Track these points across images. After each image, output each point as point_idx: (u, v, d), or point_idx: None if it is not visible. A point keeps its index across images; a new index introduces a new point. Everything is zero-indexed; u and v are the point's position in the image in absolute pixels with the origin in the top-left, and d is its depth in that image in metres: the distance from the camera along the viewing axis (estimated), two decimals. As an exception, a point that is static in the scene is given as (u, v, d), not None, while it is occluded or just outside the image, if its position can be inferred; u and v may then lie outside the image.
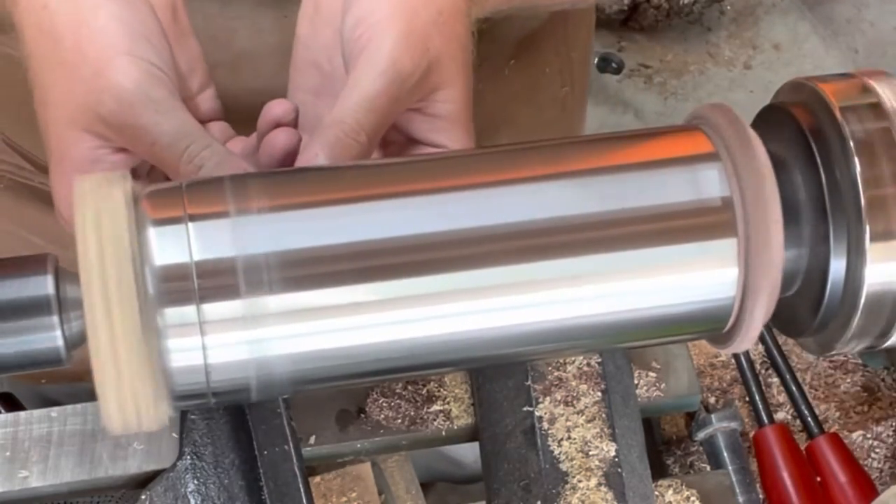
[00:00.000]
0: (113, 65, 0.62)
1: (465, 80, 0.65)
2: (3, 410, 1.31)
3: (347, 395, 0.79)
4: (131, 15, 0.64)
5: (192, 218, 0.53)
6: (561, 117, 1.07)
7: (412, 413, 0.79)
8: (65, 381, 1.17)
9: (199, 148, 0.61)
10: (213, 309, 0.52)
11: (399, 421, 0.79)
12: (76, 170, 0.63)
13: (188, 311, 0.52)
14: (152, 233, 0.52)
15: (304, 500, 0.73)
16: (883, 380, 1.38)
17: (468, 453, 1.27)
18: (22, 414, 0.77)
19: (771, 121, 0.61)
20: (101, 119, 0.63)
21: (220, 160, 0.60)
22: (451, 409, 0.79)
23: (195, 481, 0.73)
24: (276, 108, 0.64)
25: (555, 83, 1.06)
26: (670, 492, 0.79)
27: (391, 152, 0.68)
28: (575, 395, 0.77)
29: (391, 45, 0.62)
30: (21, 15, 0.65)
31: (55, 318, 0.54)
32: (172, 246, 0.52)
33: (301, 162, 0.61)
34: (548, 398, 0.77)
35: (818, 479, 1.26)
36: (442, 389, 0.80)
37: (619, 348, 0.76)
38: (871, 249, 0.56)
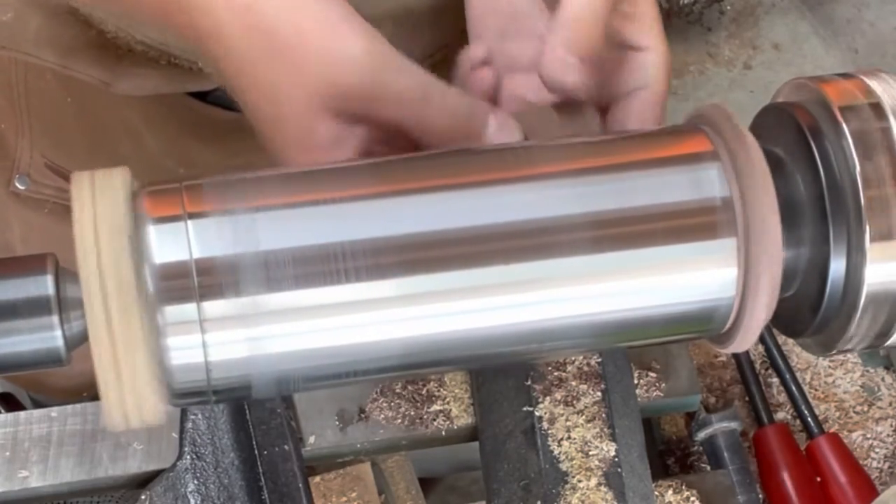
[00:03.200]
0: (337, 35, 0.61)
1: None
2: (3, 410, 1.31)
3: (347, 395, 0.79)
4: None
5: (192, 216, 0.53)
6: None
7: (412, 413, 0.79)
8: (61, 397, 1.17)
9: (441, 96, 0.62)
10: (214, 307, 0.52)
11: (399, 421, 0.79)
12: (325, 153, 0.62)
13: (188, 309, 0.52)
14: (152, 231, 0.52)
15: (304, 500, 0.73)
16: (883, 379, 1.37)
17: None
18: (22, 414, 0.77)
19: (771, 121, 0.61)
20: (341, 94, 0.62)
21: (469, 100, 0.62)
22: (451, 409, 0.79)
23: (195, 481, 0.73)
24: (470, 54, 0.67)
25: None
26: (670, 492, 0.79)
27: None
28: (575, 395, 0.77)
29: None
30: (219, 24, 0.63)
31: (55, 318, 0.54)
32: (172, 244, 0.52)
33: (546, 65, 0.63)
34: (548, 398, 0.77)
35: (818, 479, 1.26)
36: (442, 389, 0.80)
37: (619, 348, 0.76)
38: (871, 249, 0.56)
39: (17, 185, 0.99)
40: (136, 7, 0.67)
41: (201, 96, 0.97)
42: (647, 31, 0.67)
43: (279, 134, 0.64)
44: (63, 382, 1.07)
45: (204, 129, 0.98)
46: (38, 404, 1.25)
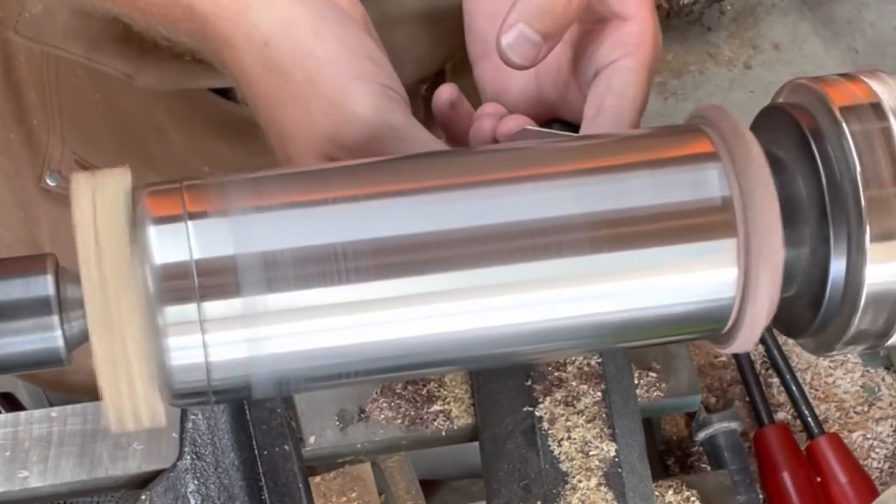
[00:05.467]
0: (348, 94, 0.63)
1: None
2: (3, 410, 1.31)
3: (347, 395, 0.79)
4: (349, 34, 0.64)
5: (192, 216, 0.53)
6: None
7: (412, 413, 0.79)
8: (80, 395, 1.17)
9: None
10: (214, 307, 0.52)
11: (399, 421, 0.79)
12: None
13: (188, 310, 0.52)
14: (152, 231, 0.52)
15: (304, 500, 0.73)
16: (883, 379, 1.37)
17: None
18: (22, 414, 0.77)
19: (771, 121, 0.61)
20: (345, 149, 0.63)
21: None
22: (451, 409, 0.79)
23: (195, 481, 0.73)
24: (444, 94, 0.68)
25: None
26: (670, 492, 0.79)
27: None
28: (575, 395, 0.77)
29: None
30: (238, 56, 0.65)
31: (55, 318, 0.54)
32: (172, 244, 0.52)
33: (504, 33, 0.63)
34: (548, 398, 0.77)
35: (818, 479, 1.26)
36: (442, 389, 0.80)
37: (619, 348, 0.76)
38: (872, 249, 0.56)
39: (48, 181, 1.00)
40: (168, 27, 0.68)
41: (223, 93, 0.98)
42: (630, 0, 0.66)
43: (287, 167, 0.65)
44: (83, 379, 1.07)
45: (227, 127, 0.99)
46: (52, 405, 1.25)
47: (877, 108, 0.57)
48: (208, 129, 0.99)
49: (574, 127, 0.69)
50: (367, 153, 0.63)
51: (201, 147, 0.98)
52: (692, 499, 0.79)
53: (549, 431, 0.76)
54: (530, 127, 0.66)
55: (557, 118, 0.72)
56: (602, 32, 0.67)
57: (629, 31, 0.67)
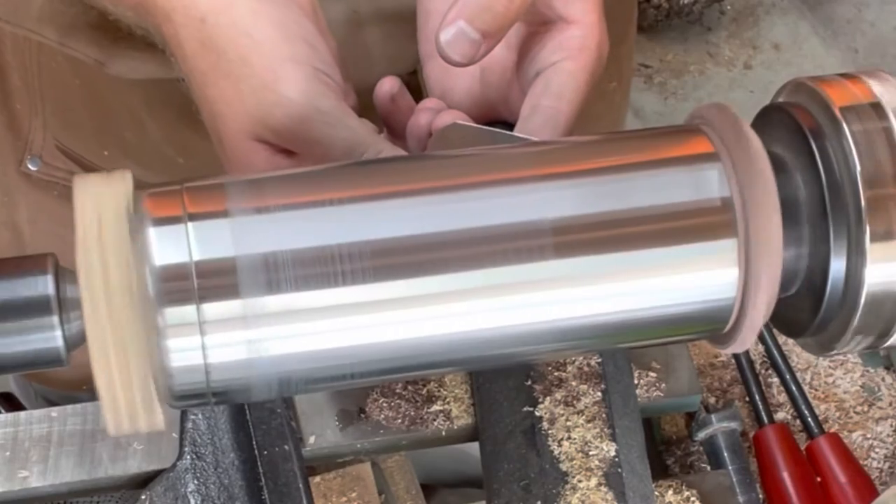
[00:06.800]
0: (279, 75, 0.63)
1: None
2: (3, 410, 1.31)
3: (347, 395, 0.79)
4: (288, 17, 0.64)
5: (192, 218, 0.53)
6: (608, 111, 1.07)
7: (412, 413, 0.79)
8: (64, 389, 1.17)
9: (372, 155, 0.62)
10: (213, 309, 0.52)
11: (399, 421, 0.79)
12: None
13: (188, 311, 0.52)
14: (152, 232, 0.52)
15: (304, 500, 0.73)
16: (883, 379, 1.38)
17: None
18: (22, 414, 0.77)
19: (771, 121, 0.61)
20: (273, 130, 0.63)
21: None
22: (451, 409, 0.79)
23: (195, 481, 0.73)
24: (385, 86, 0.68)
25: (603, 78, 1.06)
26: (670, 492, 0.79)
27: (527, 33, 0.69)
28: (575, 395, 0.77)
29: None
30: (176, 31, 0.65)
31: (55, 318, 0.54)
32: (172, 246, 0.52)
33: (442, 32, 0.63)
34: (548, 398, 0.77)
35: (818, 479, 1.26)
36: (442, 389, 0.80)
37: (619, 348, 0.76)
38: (872, 249, 0.56)
39: (29, 166, 1.00)
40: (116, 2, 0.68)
41: None
42: (575, 3, 0.66)
43: (220, 147, 0.66)
44: (63, 374, 1.07)
45: (198, 119, 0.99)
46: (48, 402, 1.25)
47: (877, 108, 0.57)
48: (183, 119, 0.99)
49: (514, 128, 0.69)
50: (295, 136, 0.63)
51: (176, 137, 0.98)
52: (692, 499, 0.79)
53: (549, 431, 0.76)
54: (462, 122, 0.66)
55: (500, 119, 0.72)
56: (546, 35, 0.67)
57: (573, 34, 0.67)
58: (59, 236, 0.97)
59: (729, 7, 2.49)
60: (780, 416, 1.33)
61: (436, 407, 0.79)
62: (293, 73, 0.63)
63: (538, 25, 0.68)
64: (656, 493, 0.77)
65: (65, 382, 1.16)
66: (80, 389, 1.07)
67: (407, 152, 0.67)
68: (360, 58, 0.83)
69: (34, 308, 0.54)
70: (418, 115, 0.68)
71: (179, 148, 0.98)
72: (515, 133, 0.65)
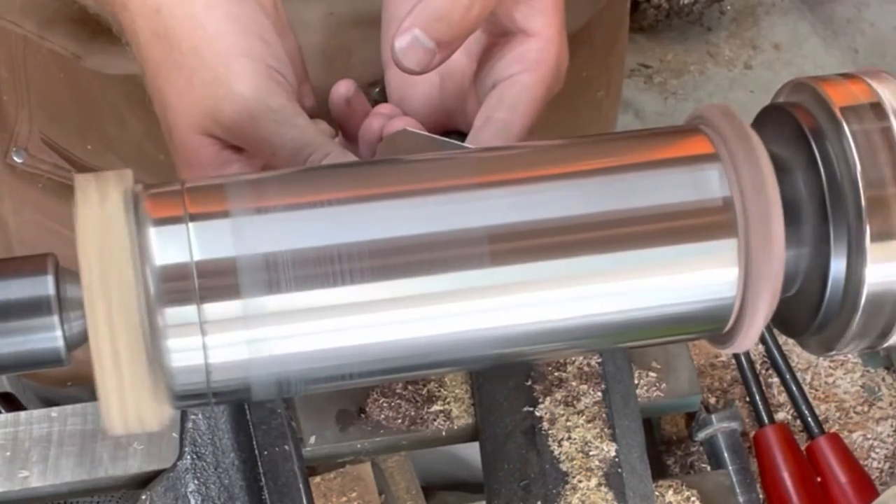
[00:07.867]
0: (231, 69, 0.63)
1: None
2: (3, 410, 1.31)
3: (347, 395, 0.79)
4: (245, 12, 0.64)
5: (193, 218, 0.53)
6: (597, 119, 1.07)
7: (412, 413, 0.79)
8: (50, 385, 1.17)
9: (320, 157, 0.62)
10: (214, 309, 0.52)
11: (399, 421, 0.79)
12: (205, 173, 0.64)
13: (189, 311, 0.52)
14: (153, 232, 0.52)
15: (304, 500, 0.73)
16: (883, 380, 1.38)
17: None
18: (22, 414, 0.77)
19: (771, 121, 0.61)
20: (222, 125, 0.63)
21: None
22: (451, 409, 0.79)
23: (195, 481, 0.73)
24: (340, 89, 0.68)
25: (591, 87, 1.06)
26: (670, 492, 0.79)
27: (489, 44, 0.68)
28: (575, 395, 0.77)
29: None
30: (132, 20, 0.65)
31: (55, 318, 0.54)
32: (173, 246, 0.52)
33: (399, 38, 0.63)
34: (548, 398, 0.77)
35: (818, 479, 1.26)
36: (442, 389, 0.80)
37: (619, 348, 0.76)
38: (872, 249, 0.56)
39: (14, 158, 0.99)
40: None
41: None
42: (535, 16, 0.66)
43: (169, 142, 0.66)
44: (49, 370, 1.07)
45: None
46: (38, 398, 1.25)
47: (877, 108, 0.57)
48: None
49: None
50: (244, 132, 0.63)
51: (155, 134, 0.98)
52: (692, 499, 0.79)
53: (550, 431, 0.76)
54: (412, 129, 0.66)
55: (456, 129, 0.72)
56: (505, 46, 0.67)
57: (531, 47, 0.66)
58: (45, 228, 0.97)
59: (729, 7, 2.49)
60: (780, 416, 1.33)
61: (436, 407, 0.79)
62: (245, 68, 0.63)
63: (498, 36, 0.67)
64: (656, 493, 0.77)
65: (51, 379, 1.16)
66: (65, 385, 1.07)
67: (357, 157, 0.67)
68: (338, 60, 0.83)
69: (34, 308, 0.54)
70: (371, 120, 0.68)
71: (158, 145, 0.98)
72: (466, 144, 0.65)
